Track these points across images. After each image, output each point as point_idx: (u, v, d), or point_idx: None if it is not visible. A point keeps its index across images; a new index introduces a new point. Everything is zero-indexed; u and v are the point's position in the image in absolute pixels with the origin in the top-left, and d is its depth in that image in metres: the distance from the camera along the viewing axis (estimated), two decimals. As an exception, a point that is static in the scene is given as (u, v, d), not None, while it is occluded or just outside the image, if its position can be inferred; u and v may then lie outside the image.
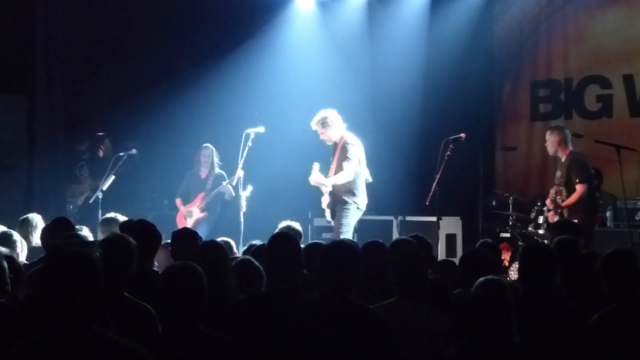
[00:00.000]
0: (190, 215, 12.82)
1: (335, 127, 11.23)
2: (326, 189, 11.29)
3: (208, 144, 13.05)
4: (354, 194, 11.15)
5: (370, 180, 11.49)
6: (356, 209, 11.20)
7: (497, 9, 14.74)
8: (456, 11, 14.44)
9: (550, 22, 14.21)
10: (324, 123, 11.21)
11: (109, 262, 5.01)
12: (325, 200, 11.36)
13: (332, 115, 11.25)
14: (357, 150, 11.22)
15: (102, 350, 3.93)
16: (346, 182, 11.11)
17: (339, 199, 11.17)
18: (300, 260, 5.90)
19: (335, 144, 11.30)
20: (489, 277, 4.87)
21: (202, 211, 12.74)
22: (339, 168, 11.16)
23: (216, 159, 12.93)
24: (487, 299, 4.72)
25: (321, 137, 11.30)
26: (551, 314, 5.58)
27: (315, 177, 11.26)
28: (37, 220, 8.69)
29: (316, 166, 11.29)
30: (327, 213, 11.39)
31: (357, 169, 11.19)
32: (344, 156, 11.11)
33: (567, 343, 5.48)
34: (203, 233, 11.80)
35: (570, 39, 14.04)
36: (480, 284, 4.79)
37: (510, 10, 14.59)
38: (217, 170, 12.88)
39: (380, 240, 6.71)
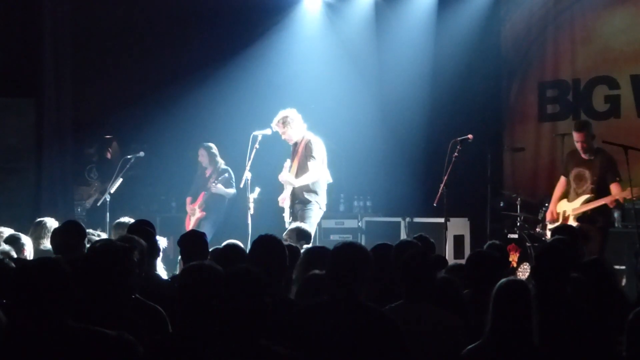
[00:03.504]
0: (194, 214, 12.86)
1: (295, 126, 11.24)
2: (288, 189, 11.30)
3: (204, 143, 13.09)
4: (316, 193, 11.18)
5: (331, 180, 11.50)
6: (318, 209, 11.21)
7: (504, 10, 14.72)
8: (463, 12, 14.43)
9: (557, 23, 14.18)
10: (284, 122, 11.24)
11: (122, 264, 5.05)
12: (284, 200, 11.36)
13: (292, 114, 11.29)
14: (320, 149, 11.22)
15: (81, 340, 3.94)
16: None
17: (301, 198, 11.18)
18: (284, 262, 5.89)
19: (296, 144, 11.30)
20: (511, 278, 4.90)
21: (202, 210, 12.75)
22: (303, 168, 11.17)
23: (212, 155, 12.95)
24: (509, 300, 4.73)
25: (283, 137, 11.34)
26: (563, 314, 5.58)
27: (285, 176, 11.27)
28: (53, 225, 8.68)
29: (287, 164, 11.31)
30: (286, 213, 11.38)
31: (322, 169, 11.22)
32: (308, 155, 11.15)
33: (582, 344, 5.47)
34: (207, 233, 11.84)
35: (578, 39, 14.01)
36: (502, 285, 4.81)
37: (517, 11, 14.56)
38: (223, 166, 12.88)
39: (389, 243, 6.72)
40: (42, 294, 3.95)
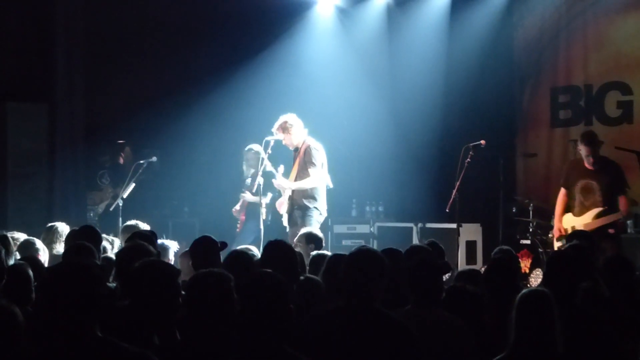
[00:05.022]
0: (238, 216, 12.75)
1: (295, 131, 11.22)
2: (286, 194, 11.30)
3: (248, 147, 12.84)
4: (314, 199, 11.15)
5: (331, 186, 11.47)
6: (318, 214, 11.19)
7: (517, 16, 14.69)
8: (476, 17, 14.41)
9: (570, 29, 14.15)
10: (284, 127, 11.21)
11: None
12: (283, 205, 11.36)
13: (292, 119, 11.25)
14: (320, 155, 11.21)
15: (107, 355, 3.92)
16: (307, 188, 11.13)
17: (299, 204, 11.17)
18: (296, 268, 5.88)
19: (297, 149, 11.30)
20: (533, 288, 4.91)
21: (244, 215, 12.66)
22: (303, 173, 11.16)
23: (247, 160, 12.76)
24: (532, 310, 4.74)
25: (283, 142, 11.30)
26: (575, 321, 5.56)
27: (279, 180, 11.27)
28: (65, 230, 8.70)
29: (280, 169, 11.31)
30: (285, 218, 11.38)
31: (322, 175, 11.22)
32: (308, 162, 11.12)
33: (593, 351, 5.47)
34: (247, 238, 11.83)
35: (590, 45, 13.99)
36: (525, 295, 4.81)
37: (530, 17, 14.53)
38: (268, 169, 12.24)
39: (397, 248, 6.71)
40: (76, 300, 3.91)
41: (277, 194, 11.72)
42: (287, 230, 11.35)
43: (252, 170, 12.59)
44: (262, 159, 11.45)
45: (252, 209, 12.52)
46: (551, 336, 4.73)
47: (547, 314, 4.75)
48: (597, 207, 10.52)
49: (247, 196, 12.51)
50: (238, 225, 12.63)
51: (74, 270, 3.99)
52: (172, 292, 4.79)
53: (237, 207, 12.66)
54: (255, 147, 12.51)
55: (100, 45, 13.87)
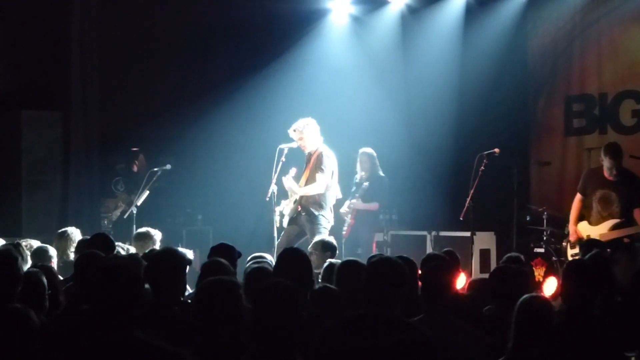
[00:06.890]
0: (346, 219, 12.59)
1: (313, 135, 11.30)
2: (293, 196, 11.31)
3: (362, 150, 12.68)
4: (322, 207, 11.20)
5: (340, 196, 11.49)
6: (327, 222, 11.23)
7: (531, 25, 14.67)
8: (490, 26, 14.40)
9: (584, 37, 14.12)
10: (303, 129, 11.24)
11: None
12: (287, 206, 11.36)
13: (312, 124, 11.33)
14: (331, 163, 11.26)
15: (144, 355, 3.93)
16: (315, 194, 11.13)
17: (307, 210, 11.21)
18: (310, 276, 5.87)
19: (310, 154, 11.35)
20: (534, 294, 4.91)
21: (352, 217, 12.56)
22: (312, 179, 11.20)
23: (361, 162, 12.58)
24: (531, 316, 4.73)
25: (299, 142, 11.35)
26: (592, 333, 5.54)
27: (289, 182, 11.31)
28: (76, 235, 8.73)
29: (292, 171, 11.34)
30: (285, 219, 11.40)
31: (329, 182, 11.22)
32: (318, 167, 11.19)
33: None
34: (360, 245, 11.82)
35: (605, 53, 13.95)
36: (524, 301, 4.80)
37: (544, 26, 14.50)
38: (379, 174, 12.38)
39: (410, 256, 6.69)
40: (118, 299, 3.97)
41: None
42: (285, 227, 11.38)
43: (364, 174, 12.51)
44: (276, 166, 11.44)
45: (360, 213, 12.47)
46: (549, 343, 4.72)
47: (546, 321, 4.75)
48: (614, 218, 10.55)
49: (358, 203, 12.43)
50: (345, 229, 12.51)
51: (118, 270, 4.04)
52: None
53: (346, 209, 12.47)
54: (369, 150, 12.53)
55: (114, 53, 13.91)
